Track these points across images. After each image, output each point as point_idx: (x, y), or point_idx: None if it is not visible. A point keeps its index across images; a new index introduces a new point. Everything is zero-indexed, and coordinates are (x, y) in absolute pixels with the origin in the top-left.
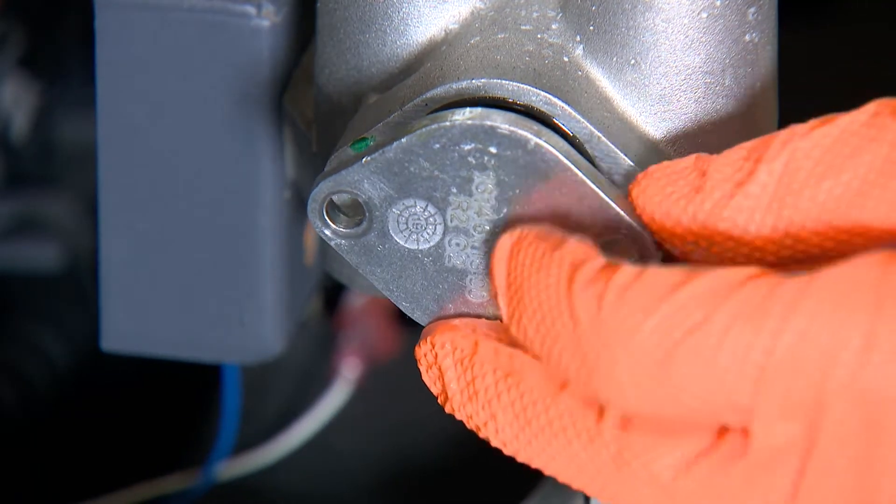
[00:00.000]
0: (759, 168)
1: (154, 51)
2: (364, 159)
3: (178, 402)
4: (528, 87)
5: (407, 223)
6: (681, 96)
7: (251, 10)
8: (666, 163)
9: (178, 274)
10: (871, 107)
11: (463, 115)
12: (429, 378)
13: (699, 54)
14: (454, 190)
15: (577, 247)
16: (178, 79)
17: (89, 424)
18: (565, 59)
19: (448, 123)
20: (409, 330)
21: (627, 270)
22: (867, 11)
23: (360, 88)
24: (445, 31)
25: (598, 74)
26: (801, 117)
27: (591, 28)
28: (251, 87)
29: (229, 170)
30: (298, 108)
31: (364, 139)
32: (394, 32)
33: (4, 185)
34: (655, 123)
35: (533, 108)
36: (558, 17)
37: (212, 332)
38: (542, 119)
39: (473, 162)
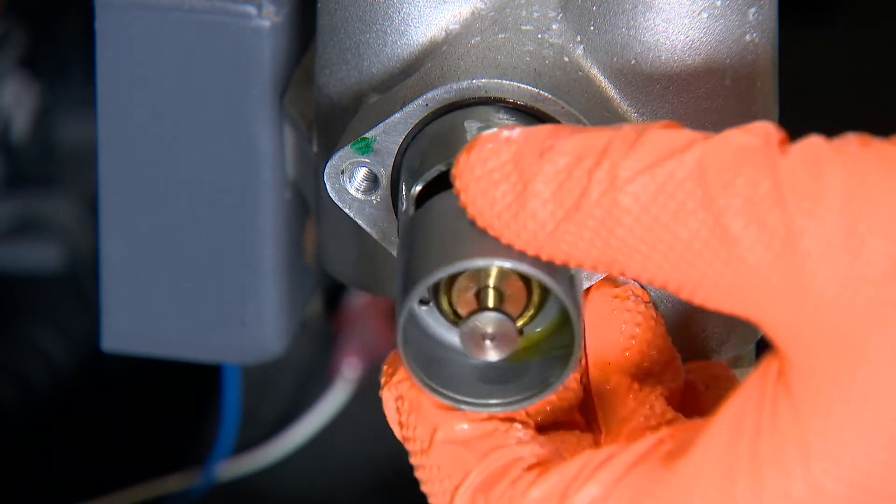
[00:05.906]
0: (583, 202)
1: (154, 51)
2: None
3: (178, 402)
4: (529, 87)
5: None
6: (681, 96)
7: (252, 10)
8: (484, 152)
9: (178, 274)
10: (698, 153)
11: None
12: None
13: (699, 55)
14: None
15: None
16: (178, 79)
17: (89, 424)
18: (566, 59)
19: None
20: None
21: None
22: (867, 12)
23: (360, 88)
24: (446, 31)
25: (598, 74)
26: (801, 117)
27: (592, 28)
28: (251, 87)
29: (229, 170)
30: (299, 109)
31: (364, 139)
32: (394, 32)
33: (4, 185)
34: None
35: (533, 108)
36: (559, 18)
37: (212, 333)
38: (542, 119)
39: None
